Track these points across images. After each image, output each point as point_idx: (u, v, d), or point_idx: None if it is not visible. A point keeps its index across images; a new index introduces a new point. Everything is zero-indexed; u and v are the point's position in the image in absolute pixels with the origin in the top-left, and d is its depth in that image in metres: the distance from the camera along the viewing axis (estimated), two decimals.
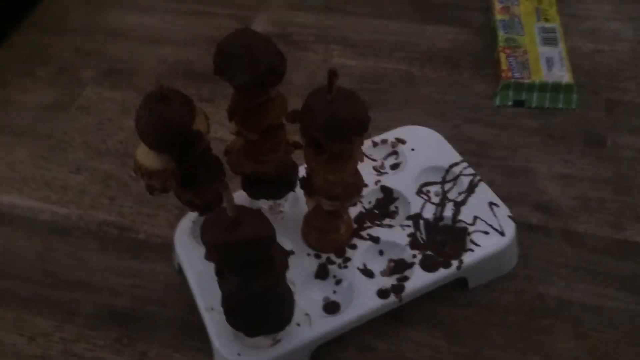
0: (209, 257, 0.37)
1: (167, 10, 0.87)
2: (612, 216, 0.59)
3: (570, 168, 0.63)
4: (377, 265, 0.53)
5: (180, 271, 0.57)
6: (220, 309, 0.46)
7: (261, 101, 0.46)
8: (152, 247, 0.60)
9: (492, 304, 0.54)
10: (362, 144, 0.45)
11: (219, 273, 0.40)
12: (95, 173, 0.67)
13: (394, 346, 0.51)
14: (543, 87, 0.68)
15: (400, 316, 0.52)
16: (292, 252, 0.52)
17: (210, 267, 0.50)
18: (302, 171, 0.53)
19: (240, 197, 0.54)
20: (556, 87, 0.68)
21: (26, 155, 0.69)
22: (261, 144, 0.48)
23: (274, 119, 0.47)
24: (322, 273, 0.52)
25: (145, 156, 0.45)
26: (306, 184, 0.48)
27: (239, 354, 0.47)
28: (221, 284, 0.41)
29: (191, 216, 0.57)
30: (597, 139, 0.66)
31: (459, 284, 0.53)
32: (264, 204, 0.57)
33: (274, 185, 0.53)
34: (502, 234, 0.53)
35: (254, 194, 0.54)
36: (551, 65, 0.70)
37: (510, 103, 0.70)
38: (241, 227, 0.37)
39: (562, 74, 0.69)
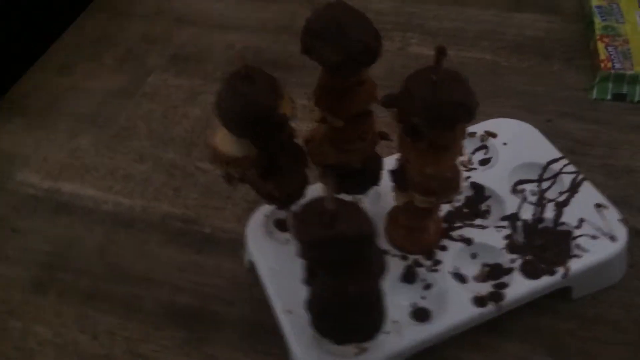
0: (301, 254, 0.33)
1: None
2: None
3: None
4: (470, 269, 0.48)
5: (250, 269, 0.53)
6: (300, 311, 0.42)
7: (350, 84, 0.41)
8: (218, 242, 0.56)
9: (599, 318, 0.48)
10: (464, 134, 0.40)
11: (310, 273, 0.36)
12: (160, 162, 0.64)
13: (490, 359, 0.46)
14: None
15: (496, 327, 0.46)
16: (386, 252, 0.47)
17: (288, 265, 0.47)
18: (389, 164, 0.48)
19: (314, 191, 0.50)
20: None
21: (89, 143, 0.67)
22: (347, 131, 0.44)
23: (362, 104, 0.43)
24: (409, 276, 0.47)
25: (225, 142, 0.41)
26: (399, 177, 0.43)
27: None
28: (310, 284, 0.36)
29: (264, 210, 0.53)
30: None
31: (560, 293, 0.48)
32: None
33: (358, 178, 0.48)
34: (612, 238, 0.47)
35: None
36: None
37: (609, 97, 0.63)
38: (340, 222, 0.32)
39: None
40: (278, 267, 0.48)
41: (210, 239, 0.56)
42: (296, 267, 0.46)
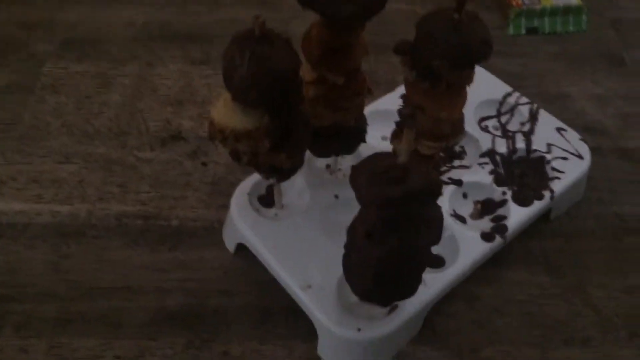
0: (366, 218, 0.31)
1: None
2: None
3: (600, 88, 0.63)
4: (464, 209, 0.49)
5: (237, 253, 0.49)
6: (320, 283, 0.42)
7: (351, 39, 0.39)
8: (191, 233, 0.51)
9: (578, 232, 0.52)
10: (474, 74, 0.40)
11: (366, 235, 0.34)
12: (91, 159, 0.56)
13: (500, 291, 0.48)
14: (554, 12, 0.67)
15: (495, 259, 0.48)
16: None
17: (289, 241, 0.45)
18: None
19: None
20: (566, 10, 0.67)
21: None
22: (346, 88, 0.42)
23: (359, 58, 0.41)
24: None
25: (230, 115, 0.37)
26: (411, 123, 0.42)
27: (359, 329, 0.41)
28: (365, 248, 0.34)
29: (243, 189, 0.49)
30: (616, 58, 0.66)
31: (540, 217, 0.51)
32: (319, 163, 0.51)
33: (348, 136, 0.46)
34: (580, 157, 0.51)
35: (323, 151, 0.47)
36: None
37: (523, 32, 0.68)
38: (412, 176, 0.31)
39: None
40: (278, 243, 0.46)
41: (181, 232, 0.51)
42: (298, 240, 0.45)
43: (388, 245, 0.33)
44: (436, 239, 0.34)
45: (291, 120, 0.38)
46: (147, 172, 0.55)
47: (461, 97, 0.40)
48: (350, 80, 0.42)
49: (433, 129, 0.41)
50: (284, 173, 0.42)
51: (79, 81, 0.62)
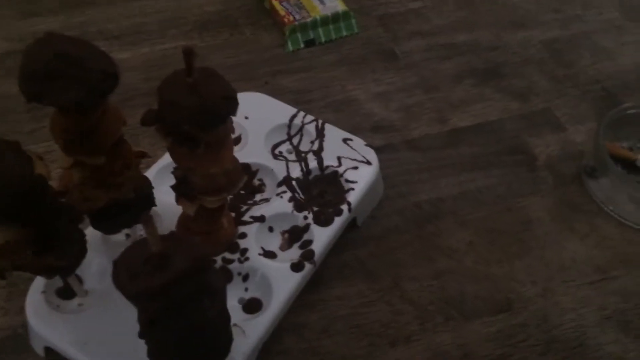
0: (146, 310, 0.30)
1: None
2: (434, 113, 0.64)
3: (381, 85, 0.66)
4: (273, 243, 0.49)
5: (49, 356, 0.46)
6: None
7: (96, 117, 0.37)
8: None
9: (386, 232, 0.55)
10: (232, 123, 0.40)
11: (150, 322, 0.33)
12: None
13: (324, 312, 0.49)
14: (325, 21, 0.70)
15: (314, 282, 0.50)
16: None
17: (104, 329, 0.42)
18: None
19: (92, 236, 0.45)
20: (336, 18, 0.70)
21: None
22: (111, 165, 0.40)
23: (115, 132, 0.39)
24: (225, 276, 0.47)
25: None
26: (184, 188, 0.41)
27: None
28: (155, 335, 0.33)
29: (36, 287, 0.45)
30: (389, 53, 0.70)
31: (348, 227, 0.53)
32: (116, 237, 0.49)
33: (133, 208, 0.45)
34: (368, 163, 0.54)
35: (111, 228, 0.45)
36: None
37: (302, 45, 0.70)
38: (174, 260, 0.30)
39: (335, 4, 0.71)
40: (87, 337, 0.43)
41: None
42: (110, 326, 0.43)
43: (176, 328, 0.32)
44: (223, 307, 0.34)
45: (48, 221, 0.35)
46: None
47: (226, 149, 0.40)
48: (112, 157, 0.40)
49: (209, 185, 0.40)
50: (64, 269, 0.39)
51: None
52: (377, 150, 0.59)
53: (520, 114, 0.65)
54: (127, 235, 0.49)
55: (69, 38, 0.35)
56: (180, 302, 0.32)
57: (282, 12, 0.70)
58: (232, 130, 0.40)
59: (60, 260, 0.37)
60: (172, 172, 0.42)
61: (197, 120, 0.36)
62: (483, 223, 0.56)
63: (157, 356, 0.36)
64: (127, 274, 0.30)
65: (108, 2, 0.73)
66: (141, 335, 0.35)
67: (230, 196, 0.48)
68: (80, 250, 0.40)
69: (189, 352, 0.34)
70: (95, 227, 0.44)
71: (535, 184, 0.59)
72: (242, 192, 0.52)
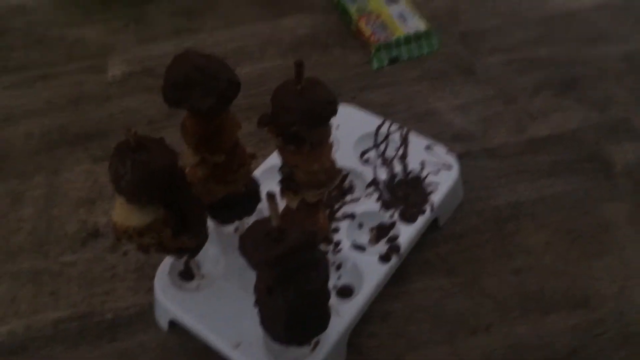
0: (264, 278, 0.36)
1: (5, 86, 0.78)
2: (512, 122, 0.68)
3: (460, 98, 0.71)
4: (363, 237, 0.55)
5: (171, 329, 0.53)
6: (246, 339, 0.47)
7: (220, 121, 0.45)
8: (126, 322, 0.55)
9: (466, 231, 0.59)
10: (331, 127, 0.46)
11: (268, 291, 0.39)
12: (18, 276, 0.59)
13: (408, 302, 0.54)
14: (408, 40, 0.75)
15: (399, 275, 0.55)
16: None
17: (212, 307, 0.49)
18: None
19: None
20: (418, 36, 0.76)
21: None
22: (228, 163, 0.47)
23: (233, 134, 0.47)
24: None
25: (128, 216, 0.41)
26: (290, 183, 0.48)
27: None
28: (271, 301, 0.40)
29: (163, 269, 0.53)
30: (468, 68, 0.75)
31: (430, 226, 0.57)
32: (227, 229, 0.56)
33: (245, 202, 0.52)
34: (449, 167, 0.59)
35: (226, 218, 0.52)
36: (404, 19, 0.77)
37: (386, 63, 0.76)
38: (289, 234, 0.36)
39: (417, 23, 0.77)
40: (205, 312, 0.50)
41: (116, 323, 0.55)
42: (221, 304, 0.50)
43: (288, 295, 0.38)
44: (326, 278, 0.39)
45: (184, 206, 0.43)
46: (73, 275, 0.59)
47: (326, 149, 0.46)
48: (231, 156, 0.47)
49: (311, 180, 0.47)
50: (192, 250, 0.47)
51: None
52: (457, 157, 0.64)
53: (598, 123, 0.67)
54: (236, 229, 0.56)
55: (199, 54, 0.43)
56: (293, 272, 0.38)
57: (368, 32, 0.76)
58: (331, 134, 0.46)
59: (191, 240, 0.45)
60: (279, 170, 0.48)
61: (305, 121, 0.42)
62: (561, 225, 0.59)
63: (269, 322, 0.42)
64: (251, 245, 0.36)
65: (213, 28, 0.83)
66: (257, 302, 0.42)
67: (328, 191, 0.54)
68: (205, 234, 0.47)
69: (296, 320, 0.40)
70: (213, 216, 0.52)
71: (614, 190, 0.61)
72: (333, 193, 0.58)
